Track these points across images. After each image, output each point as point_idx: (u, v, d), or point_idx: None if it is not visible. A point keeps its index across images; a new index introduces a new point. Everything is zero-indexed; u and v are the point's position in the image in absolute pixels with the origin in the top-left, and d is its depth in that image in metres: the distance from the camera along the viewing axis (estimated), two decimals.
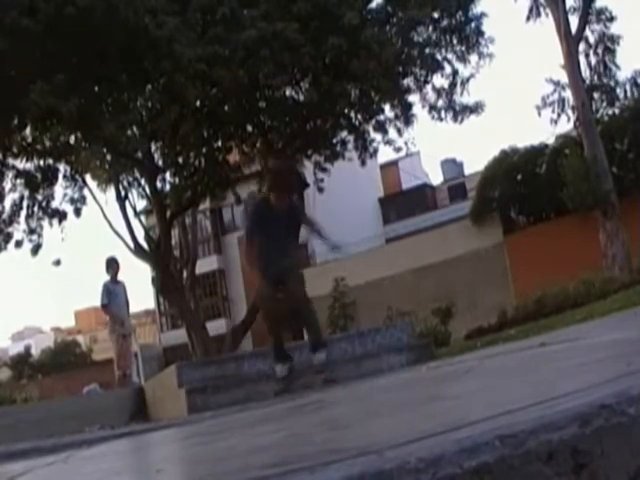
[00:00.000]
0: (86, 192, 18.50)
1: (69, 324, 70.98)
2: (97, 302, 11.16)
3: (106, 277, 11.02)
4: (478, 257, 23.52)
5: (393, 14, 15.57)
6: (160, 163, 18.39)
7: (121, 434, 5.38)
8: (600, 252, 17.11)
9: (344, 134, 17.95)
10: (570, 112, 20.01)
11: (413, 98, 17.14)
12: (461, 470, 1.12)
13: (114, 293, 10.86)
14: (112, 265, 11.04)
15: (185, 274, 20.82)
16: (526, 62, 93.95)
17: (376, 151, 18.68)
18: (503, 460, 1.15)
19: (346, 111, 17.05)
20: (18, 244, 17.28)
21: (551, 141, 22.70)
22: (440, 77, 16.78)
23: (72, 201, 17.97)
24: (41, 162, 16.92)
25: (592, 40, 20.54)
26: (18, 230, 17.29)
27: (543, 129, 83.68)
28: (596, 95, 21.16)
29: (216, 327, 25.52)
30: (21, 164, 16.86)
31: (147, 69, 13.30)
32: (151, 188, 18.39)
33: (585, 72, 20.24)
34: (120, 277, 11.22)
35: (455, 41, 16.19)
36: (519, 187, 22.93)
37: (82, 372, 38.43)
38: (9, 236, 17.13)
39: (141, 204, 22.31)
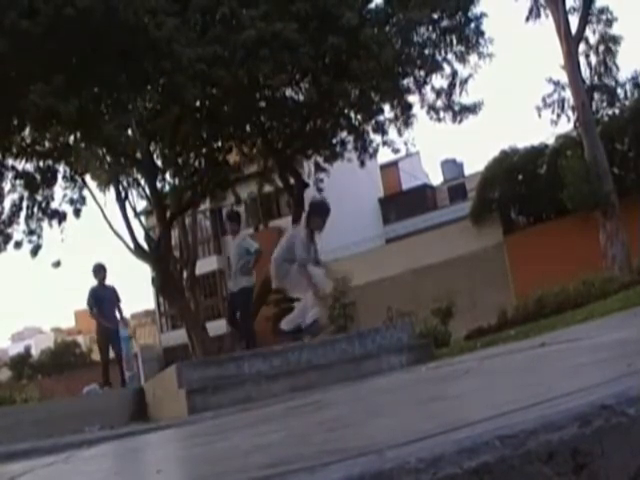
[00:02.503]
0: (86, 193, 18.53)
1: (69, 324, 70.90)
2: None
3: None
4: (478, 257, 23.52)
5: (393, 14, 15.58)
6: (160, 163, 18.40)
7: (121, 434, 5.38)
8: (600, 252, 17.11)
9: (344, 134, 17.96)
10: (570, 112, 20.04)
11: (412, 99, 17.18)
12: (461, 470, 1.12)
13: (101, 298, 10.92)
14: (99, 271, 11.14)
15: (185, 274, 20.83)
16: (526, 62, 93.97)
17: (376, 151, 18.71)
18: (503, 460, 1.15)
19: (346, 111, 17.06)
20: (18, 245, 17.28)
21: (551, 141, 22.72)
22: (440, 77, 16.82)
23: (72, 202, 17.98)
24: (40, 163, 16.93)
25: (592, 41, 20.59)
26: (18, 231, 17.31)
27: (543, 129, 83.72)
28: (596, 95, 21.18)
29: (216, 327, 25.50)
30: (20, 165, 16.88)
31: (147, 69, 13.31)
32: (151, 189, 18.40)
33: (585, 72, 20.26)
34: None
35: (455, 41, 16.20)
36: (519, 187, 22.94)
37: (82, 372, 38.42)
38: (9, 237, 17.13)
39: (141, 204, 22.33)
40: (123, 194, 19.72)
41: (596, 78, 21.16)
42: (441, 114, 17.03)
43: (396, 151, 18.51)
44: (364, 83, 15.27)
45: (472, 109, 16.85)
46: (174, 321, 35.74)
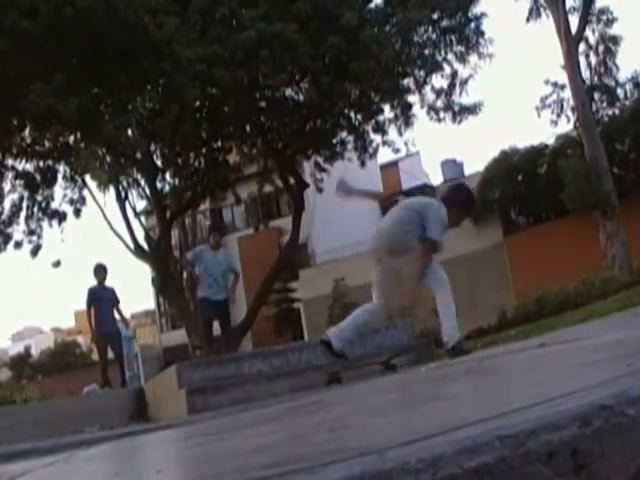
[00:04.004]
0: (86, 193, 18.52)
1: (69, 324, 70.90)
2: None
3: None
4: (478, 257, 23.51)
5: (392, 14, 15.56)
6: (160, 163, 18.39)
7: (121, 434, 5.38)
8: (600, 252, 17.10)
9: (344, 134, 17.94)
10: (570, 113, 20.03)
11: (413, 99, 17.15)
12: (461, 470, 1.12)
13: (99, 298, 10.91)
14: (99, 272, 11.13)
15: (185, 274, 20.82)
16: (526, 62, 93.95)
17: (376, 151, 18.69)
18: (503, 460, 1.15)
19: (346, 111, 17.05)
20: (18, 245, 17.26)
21: (551, 141, 22.70)
22: (440, 78, 16.79)
23: (72, 202, 17.97)
24: (41, 163, 16.92)
25: (592, 41, 20.57)
26: (18, 231, 17.28)
27: (543, 129, 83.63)
28: (596, 95, 21.17)
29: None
30: (20, 165, 16.87)
31: (147, 69, 13.30)
32: (151, 189, 18.40)
33: (585, 72, 20.26)
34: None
35: (455, 42, 16.17)
36: (519, 187, 22.93)
37: (82, 373, 38.40)
38: (9, 237, 17.11)
39: (141, 204, 22.32)
40: (123, 194, 19.72)
41: (596, 78, 21.15)
42: (441, 114, 17.01)
43: (396, 151, 18.47)
44: (364, 83, 15.25)
45: (472, 110, 16.82)
46: (174, 321, 35.71)
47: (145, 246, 19.14)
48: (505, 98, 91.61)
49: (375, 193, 5.66)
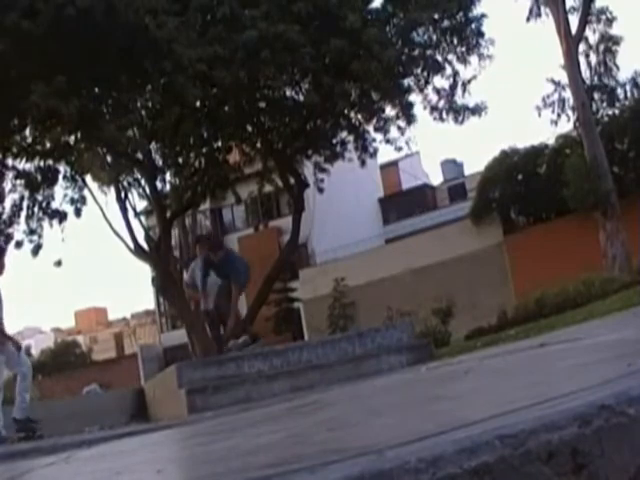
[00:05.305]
0: (86, 192, 18.53)
1: (69, 324, 70.91)
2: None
3: None
4: (478, 257, 23.51)
5: (394, 15, 15.56)
6: (160, 163, 18.40)
7: (121, 434, 5.38)
8: (600, 252, 17.10)
9: (344, 134, 17.94)
10: (570, 112, 20.03)
11: (414, 98, 17.14)
12: (461, 470, 1.12)
13: None
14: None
15: (185, 274, 20.82)
16: (526, 62, 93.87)
17: (376, 151, 18.68)
18: (503, 460, 1.15)
19: (346, 111, 17.04)
20: (18, 245, 17.27)
21: (551, 141, 22.71)
22: (441, 78, 16.78)
23: (72, 201, 17.97)
24: (41, 163, 16.92)
25: (592, 40, 20.58)
26: (18, 231, 17.29)
27: (543, 129, 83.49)
28: (596, 95, 21.17)
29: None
30: (21, 165, 16.87)
31: (147, 69, 13.30)
32: (151, 188, 18.41)
33: (585, 72, 20.26)
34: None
35: (455, 42, 16.17)
36: (519, 187, 22.93)
37: (82, 372, 38.45)
38: (9, 237, 17.11)
39: (141, 204, 22.33)
40: (123, 194, 19.73)
41: (596, 78, 21.15)
42: (444, 115, 16.99)
43: (399, 149, 18.37)
44: (365, 83, 15.25)
45: (475, 110, 16.79)
46: (174, 321, 35.71)
47: (145, 246, 19.15)
48: (505, 98, 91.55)
49: None
